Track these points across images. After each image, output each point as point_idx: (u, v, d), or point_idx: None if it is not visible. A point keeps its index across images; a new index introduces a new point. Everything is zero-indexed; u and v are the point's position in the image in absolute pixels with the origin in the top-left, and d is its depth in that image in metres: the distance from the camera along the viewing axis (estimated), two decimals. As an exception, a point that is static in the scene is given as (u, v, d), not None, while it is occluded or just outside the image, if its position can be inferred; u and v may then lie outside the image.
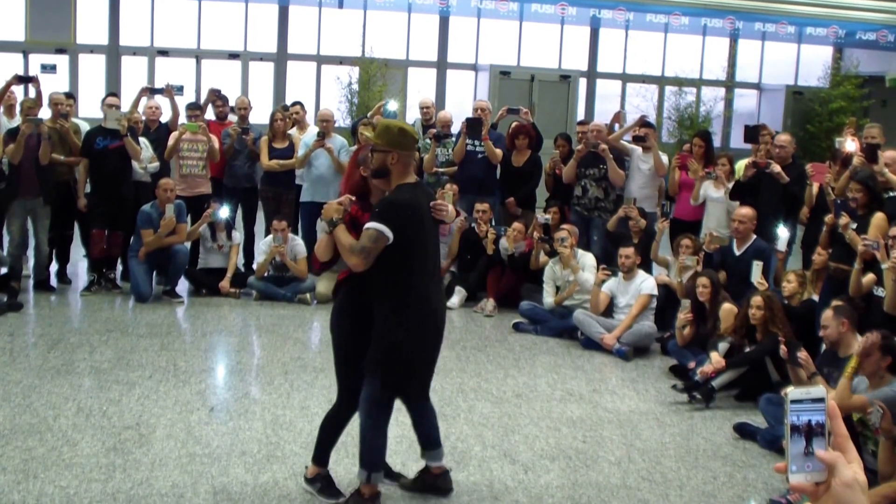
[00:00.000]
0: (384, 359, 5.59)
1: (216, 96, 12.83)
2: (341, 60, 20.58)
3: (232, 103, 12.85)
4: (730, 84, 23.12)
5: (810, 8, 22.59)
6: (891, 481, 5.61)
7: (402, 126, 5.79)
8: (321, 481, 5.92)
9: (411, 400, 6.00)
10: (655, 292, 9.93)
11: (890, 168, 8.80)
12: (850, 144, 9.99)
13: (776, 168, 10.02)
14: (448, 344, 9.63)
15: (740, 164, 11.04)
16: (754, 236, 9.84)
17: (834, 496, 1.61)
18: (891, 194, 8.68)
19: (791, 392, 1.70)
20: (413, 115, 17.33)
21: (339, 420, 5.96)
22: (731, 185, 10.67)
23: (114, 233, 11.20)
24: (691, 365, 8.80)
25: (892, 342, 6.41)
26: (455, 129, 12.49)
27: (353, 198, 5.74)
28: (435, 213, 5.72)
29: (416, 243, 5.58)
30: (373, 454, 5.70)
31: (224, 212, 11.35)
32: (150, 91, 12.57)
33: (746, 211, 9.89)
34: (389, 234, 5.42)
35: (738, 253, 9.83)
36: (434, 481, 6.03)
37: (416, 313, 5.62)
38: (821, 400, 1.69)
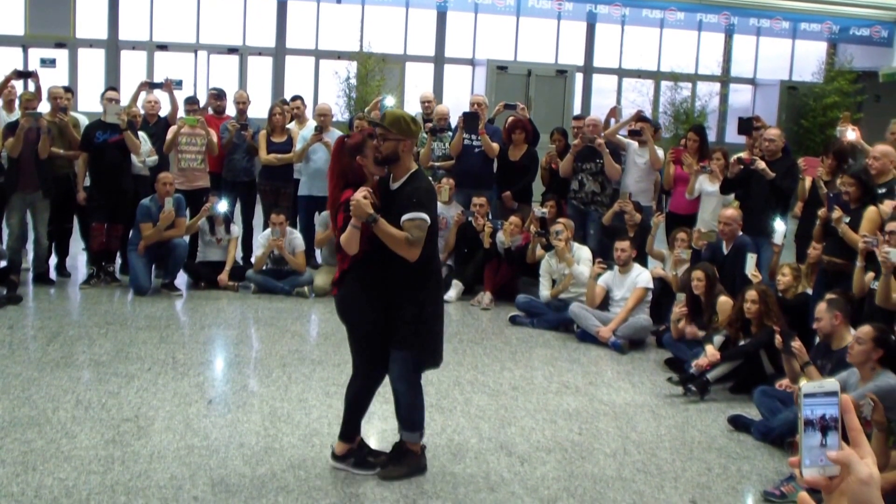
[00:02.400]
0: (418, 333, 6.00)
1: (214, 98, 12.83)
2: (339, 55, 20.63)
3: (230, 98, 12.85)
4: (725, 79, 23.19)
5: (805, 4, 22.66)
6: (884, 472, 5.66)
7: (405, 115, 6.08)
8: (353, 455, 6.19)
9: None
10: (651, 286, 9.98)
11: (880, 161, 8.85)
12: (850, 134, 10.07)
13: (761, 165, 10.04)
14: (445, 337, 9.59)
15: (734, 159, 11.08)
16: (740, 232, 9.89)
17: (849, 493, 1.61)
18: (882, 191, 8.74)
19: (804, 386, 1.69)
20: (409, 109, 17.41)
21: (367, 392, 6.27)
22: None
23: (113, 226, 11.23)
24: (688, 330, 8.91)
25: (886, 335, 6.47)
26: (452, 122, 12.53)
27: (371, 189, 5.84)
28: None
29: (434, 225, 5.97)
30: (419, 415, 6.24)
31: (222, 205, 11.38)
32: (150, 85, 12.57)
33: (731, 212, 9.94)
34: (429, 219, 5.86)
35: (725, 251, 9.88)
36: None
37: (435, 289, 6.19)
38: (834, 394, 1.68)
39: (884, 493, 1.55)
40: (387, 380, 6.22)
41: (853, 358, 6.46)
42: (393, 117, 6.00)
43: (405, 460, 6.16)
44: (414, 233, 5.77)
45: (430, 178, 11.99)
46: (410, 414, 6.18)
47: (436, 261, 6.23)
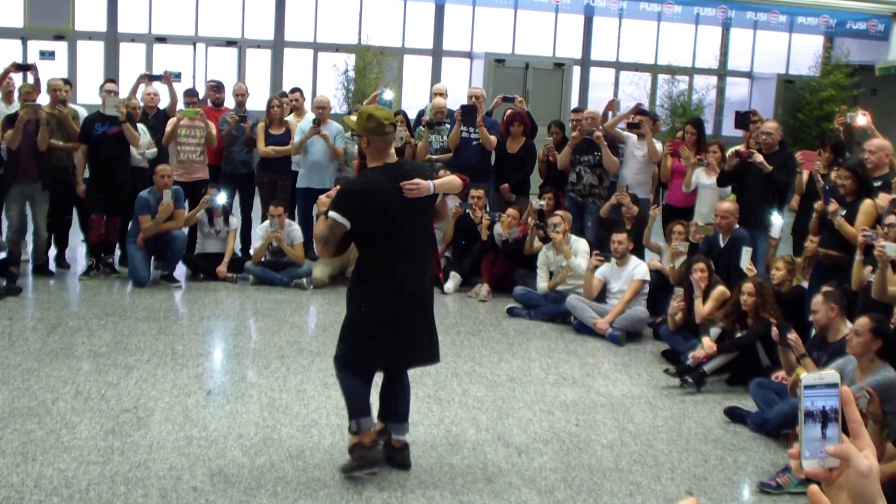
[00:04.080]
0: (347, 331, 6.05)
1: (213, 90, 12.84)
2: (338, 48, 20.62)
3: (229, 90, 12.85)
4: (722, 72, 23.17)
5: (801, -3, 22.70)
6: (880, 464, 5.69)
7: (370, 112, 5.92)
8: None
9: (384, 372, 6.25)
10: (648, 278, 10.01)
11: (876, 155, 8.89)
12: (860, 119, 10.11)
13: (758, 158, 10.07)
14: (443, 329, 9.68)
15: (731, 152, 11.11)
16: (736, 226, 9.92)
17: (850, 486, 1.60)
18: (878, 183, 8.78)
19: (805, 378, 1.67)
20: (408, 103, 17.44)
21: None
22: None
23: (112, 218, 11.24)
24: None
25: (885, 325, 6.51)
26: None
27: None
28: (405, 192, 5.79)
29: (374, 224, 5.79)
30: (352, 402, 6.01)
31: (221, 197, 11.39)
32: (149, 78, 12.57)
33: (728, 206, 9.98)
34: (343, 220, 5.72)
35: (722, 244, 9.91)
36: (393, 454, 6.19)
37: (372, 288, 5.90)
38: (834, 385, 1.67)
39: (880, 483, 1.56)
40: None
41: (852, 350, 6.50)
42: (357, 114, 6.03)
43: (354, 452, 6.03)
44: (322, 230, 5.87)
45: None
46: (346, 402, 6.11)
47: (389, 272, 5.87)
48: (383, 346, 5.96)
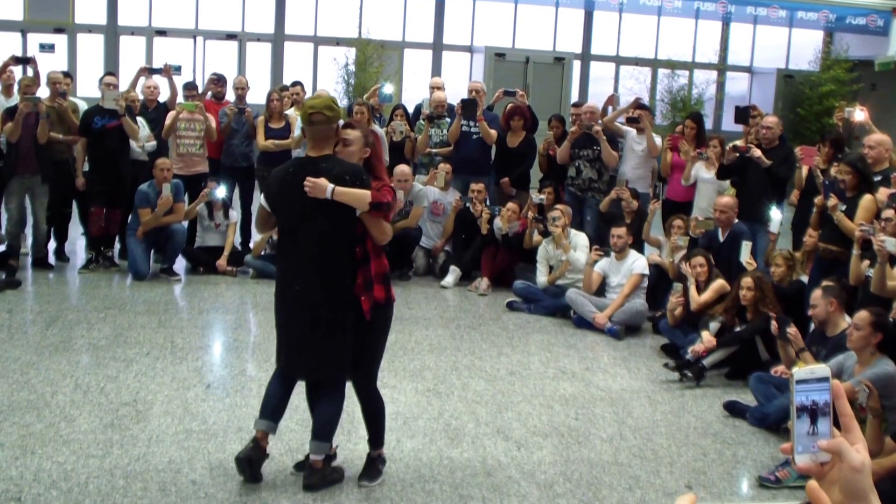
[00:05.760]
0: None
1: (214, 83, 12.83)
2: (338, 41, 20.63)
3: (230, 83, 12.84)
4: (722, 67, 23.20)
5: (801, -8, 22.69)
6: (879, 458, 5.70)
7: (306, 104, 5.92)
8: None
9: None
10: (647, 272, 10.02)
11: (875, 150, 8.90)
12: (858, 114, 10.13)
13: (756, 153, 10.07)
14: (442, 322, 9.78)
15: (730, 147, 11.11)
16: (736, 220, 9.92)
17: (842, 480, 1.59)
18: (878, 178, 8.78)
19: (796, 372, 1.66)
20: (408, 97, 17.44)
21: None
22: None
23: (112, 211, 11.24)
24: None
25: (883, 318, 6.51)
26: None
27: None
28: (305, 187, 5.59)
29: (276, 213, 5.83)
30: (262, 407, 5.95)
31: (221, 191, 11.39)
32: (149, 71, 12.55)
33: (728, 200, 9.98)
34: (263, 201, 5.86)
35: (721, 239, 9.92)
36: (307, 472, 5.90)
37: (279, 293, 5.86)
38: (825, 379, 1.66)
39: (879, 478, 1.56)
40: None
41: (853, 344, 6.51)
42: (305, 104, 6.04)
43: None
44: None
45: (427, 164, 12.20)
46: None
47: (282, 265, 5.91)
48: (279, 343, 5.91)
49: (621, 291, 9.91)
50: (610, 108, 12.77)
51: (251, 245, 11.87)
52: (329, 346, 5.71)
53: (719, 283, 9.02)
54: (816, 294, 7.24)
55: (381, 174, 6.01)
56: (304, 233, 5.65)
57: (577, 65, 22.08)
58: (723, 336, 8.47)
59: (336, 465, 5.97)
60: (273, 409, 5.88)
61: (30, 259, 11.34)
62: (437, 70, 21.38)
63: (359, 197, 5.52)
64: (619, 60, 22.95)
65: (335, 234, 5.62)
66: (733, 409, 7.50)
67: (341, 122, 5.86)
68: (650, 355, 9.18)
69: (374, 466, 5.95)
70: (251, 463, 5.74)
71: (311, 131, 5.66)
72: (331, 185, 5.47)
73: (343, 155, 5.74)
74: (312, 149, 5.70)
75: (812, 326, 7.61)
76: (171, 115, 11.72)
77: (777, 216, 9.93)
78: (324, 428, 5.81)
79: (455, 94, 13.48)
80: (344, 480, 5.88)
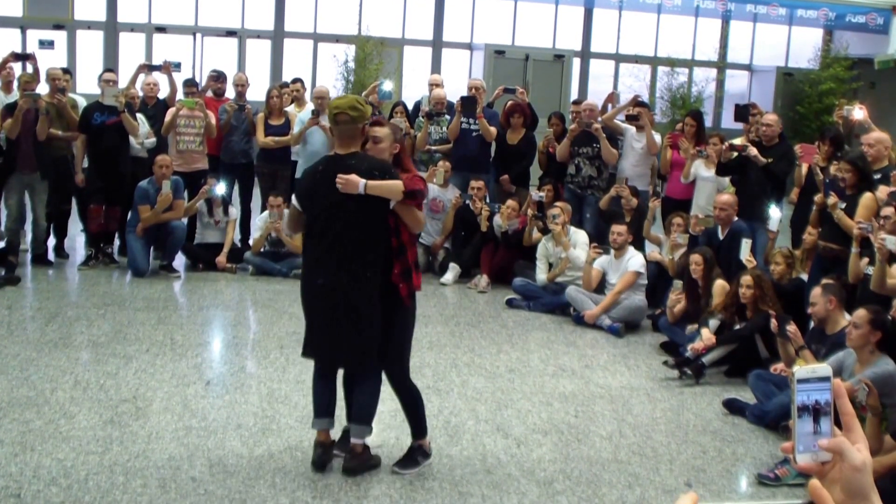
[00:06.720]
0: None
1: (214, 80, 12.82)
2: (338, 38, 20.61)
3: (230, 80, 12.84)
4: (721, 65, 23.21)
5: (801, -10, 22.69)
6: (878, 456, 5.71)
7: (331, 104, 5.99)
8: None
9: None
10: (642, 270, 9.98)
11: (875, 148, 8.90)
12: (857, 112, 10.15)
13: (752, 151, 10.07)
14: (442, 320, 9.78)
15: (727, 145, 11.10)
16: (735, 218, 9.92)
17: (843, 480, 1.59)
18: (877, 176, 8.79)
19: (798, 371, 1.65)
20: (408, 94, 17.43)
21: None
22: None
23: (111, 208, 11.23)
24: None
25: (882, 316, 6.51)
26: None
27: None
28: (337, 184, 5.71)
29: (305, 210, 5.94)
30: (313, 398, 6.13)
31: (221, 188, 11.39)
32: (148, 67, 12.55)
33: (727, 198, 9.97)
34: (295, 202, 6.02)
35: (721, 237, 9.92)
36: (348, 459, 6.08)
37: (303, 274, 6.10)
38: (827, 379, 1.65)
39: (878, 476, 1.55)
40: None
41: (852, 342, 6.51)
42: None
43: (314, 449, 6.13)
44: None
45: (426, 162, 12.19)
46: None
47: (308, 260, 6.07)
48: (311, 335, 6.04)
49: (613, 289, 9.90)
50: (610, 105, 12.76)
51: (251, 242, 11.87)
52: (359, 337, 5.87)
53: (719, 285, 8.99)
54: (816, 292, 7.24)
55: (410, 167, 6.19)
56: (335, 228, 5.78)
57: (576, 62, 22.08)
58: (722, 334, 8.47)
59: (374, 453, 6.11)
60: (325, 406, 6.06)
61: (29, 255, 11.33)
62: (436, 67, 21.36)
63: (391, 188, 5.68)
64: (619, 58, 22.94)
65: (368, 228, 5.77)
66: (733, 407, 7.50)
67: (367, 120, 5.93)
68: (650, 353, 9.18)
69: (412, 456, 6.10)
70: (324, 463, 5.99)
71: (338, 130, 5.85)
72: (363, 181, 5.62)
73: (374, 152, 5.88)
74: (340, 147, 5.85)
75: (811, 324, 7.60)
76: (170, 111, 11.72)
77: (776, 214, 9.93)
78: (361, 411, 6.02)
79: (455, 91, 13.46)
80: (336, 470, 5.97)
